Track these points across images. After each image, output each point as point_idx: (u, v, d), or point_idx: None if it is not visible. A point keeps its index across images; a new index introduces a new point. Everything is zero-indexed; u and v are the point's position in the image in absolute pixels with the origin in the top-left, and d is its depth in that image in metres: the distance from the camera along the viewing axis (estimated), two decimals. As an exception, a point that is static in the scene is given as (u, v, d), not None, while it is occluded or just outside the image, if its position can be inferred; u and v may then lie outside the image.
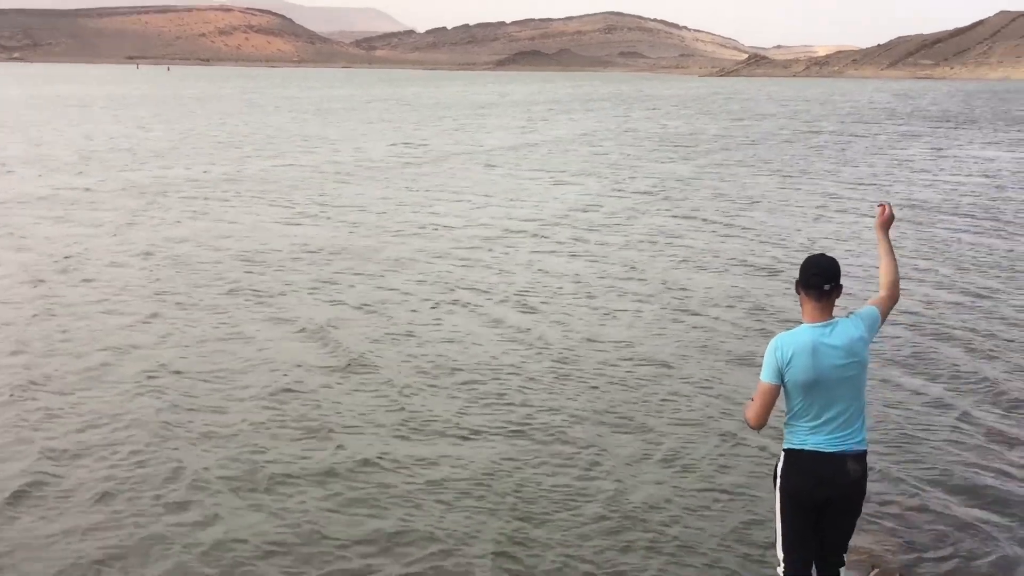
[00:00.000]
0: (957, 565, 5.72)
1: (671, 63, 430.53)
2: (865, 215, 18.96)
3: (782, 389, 4.24)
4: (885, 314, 4.41)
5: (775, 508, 4.37)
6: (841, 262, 4.24)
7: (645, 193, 22.79)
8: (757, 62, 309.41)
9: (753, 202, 21.18)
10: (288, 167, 27.87)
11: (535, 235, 17.01)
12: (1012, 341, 10.43)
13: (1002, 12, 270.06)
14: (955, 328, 10.98)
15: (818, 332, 4.17)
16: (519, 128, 47.29)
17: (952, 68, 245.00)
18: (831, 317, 4.22)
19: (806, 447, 4.21)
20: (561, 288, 12.93)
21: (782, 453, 4.34)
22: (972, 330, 10.91)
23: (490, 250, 15.58)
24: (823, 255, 4.33)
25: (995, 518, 6.32)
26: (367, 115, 57.43)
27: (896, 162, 30.67)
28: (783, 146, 37.28)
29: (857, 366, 4.20)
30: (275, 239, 16.31)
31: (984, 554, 5.85)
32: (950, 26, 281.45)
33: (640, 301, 12.28)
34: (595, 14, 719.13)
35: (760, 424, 4.28)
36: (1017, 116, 59.79)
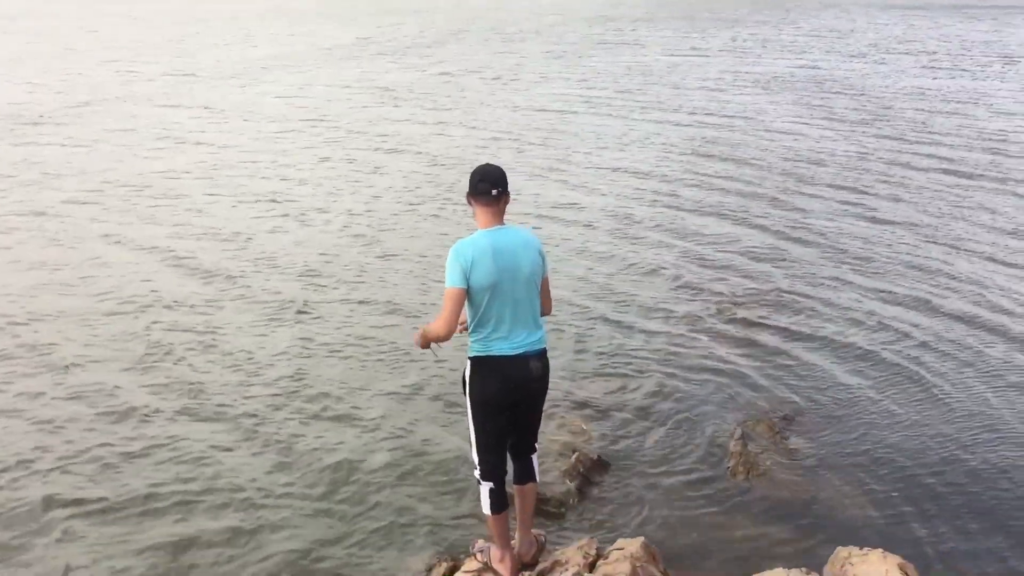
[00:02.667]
0: (649, 441, 6.15)
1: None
2: (536, 109, 19.84)
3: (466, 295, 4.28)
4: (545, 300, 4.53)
5: (467, 414, 4.49)
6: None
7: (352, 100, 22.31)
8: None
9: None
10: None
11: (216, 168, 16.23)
12: (664, 248, 10.80)
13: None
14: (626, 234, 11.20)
15: (494, 235, 4.27)
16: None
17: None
18: (503, 223, 4.34)
19: (491, 352, 4.31)
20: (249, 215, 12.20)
21: (468, 361, 4.39)
22: (636, 237, 11.07)
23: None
24: (489, 164, 4.43)
25: (665, 403, 6.75)
26: None
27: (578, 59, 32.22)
28: (474, 48, 37.79)
29: (534, 266, 4.34)
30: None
31: (668, 425, 6.35)
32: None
33: (332, 216, 12.03)
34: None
35: (450, 331, 4.26)
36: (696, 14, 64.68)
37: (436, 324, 4.31)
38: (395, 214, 11.96)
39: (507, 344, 4.30)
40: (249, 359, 7.55)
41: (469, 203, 4.37)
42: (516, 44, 43.97)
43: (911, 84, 25.27)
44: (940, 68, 29.77)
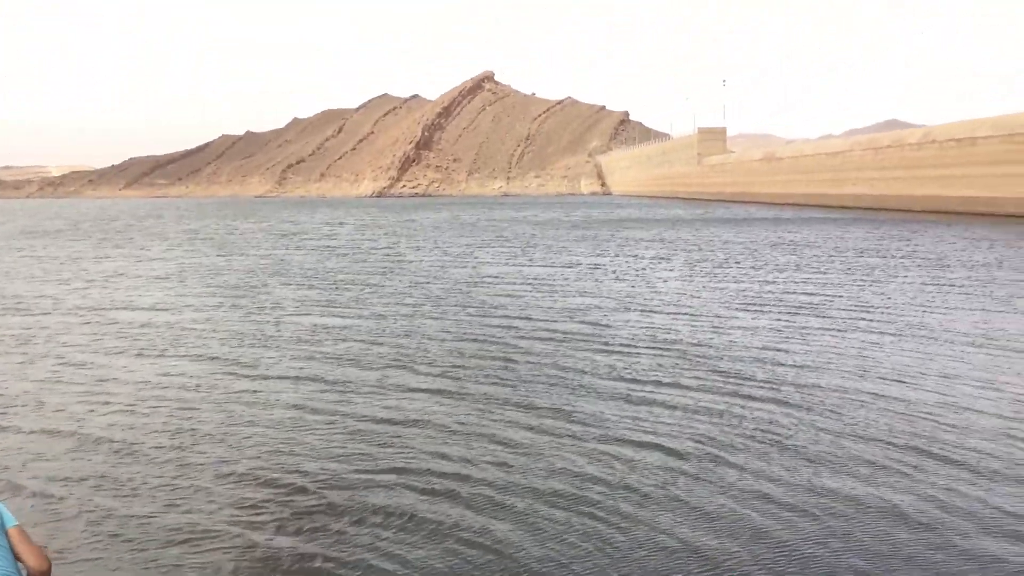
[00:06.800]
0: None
1: None
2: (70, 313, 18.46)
3: None
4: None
5: None
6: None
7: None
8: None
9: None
10: None
11: None
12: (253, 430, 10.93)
13: (224, 136, 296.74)
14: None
15: None
16: None
17: (187, 187, 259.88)
18: None
19: None
20: None
21: None
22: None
23: None
24: None
25: None
26: None
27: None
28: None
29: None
30: None
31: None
32: (181, 148, 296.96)
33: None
34: None
35: None
36: (213, 214, 65.46)
37: None
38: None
39: None
40: None
41: None
42: (79, 246, 40.91)
43: (479, 271, 27.71)
44: (499, 256, 33.03)
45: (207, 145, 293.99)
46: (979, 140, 56.75)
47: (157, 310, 19.95)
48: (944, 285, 21.61)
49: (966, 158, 58.21)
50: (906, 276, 23.72)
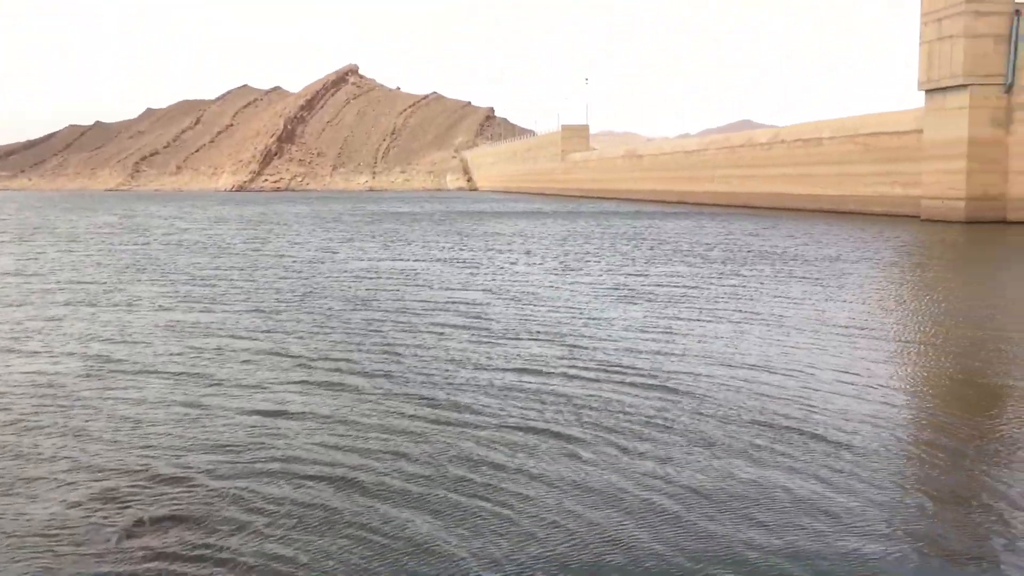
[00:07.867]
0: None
1: None
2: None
3: None
4: None
5: None
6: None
7: None
8: None
9: None
10: None
11: None
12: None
13: (71, 126, 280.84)
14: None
15: None
16: None
17: (31, 179, 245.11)
18: None
19: None
20: None
21: None
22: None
23: None
24: None
25: None
26: None
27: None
28: None
29: None
30: None
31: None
32: (23, 138, 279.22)
33: None
34: None
35: None
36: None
37: None
38: None
39: None
40: None
41: None
42: None
43: (347, 265, 27.32)
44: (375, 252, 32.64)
45: (52, 135, 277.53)
46: (824, 140, 60.05)
47: None
48: (791, 277, 22.82)
49: (812, 158, 61.51)
50: (758, 268, 24.91)
